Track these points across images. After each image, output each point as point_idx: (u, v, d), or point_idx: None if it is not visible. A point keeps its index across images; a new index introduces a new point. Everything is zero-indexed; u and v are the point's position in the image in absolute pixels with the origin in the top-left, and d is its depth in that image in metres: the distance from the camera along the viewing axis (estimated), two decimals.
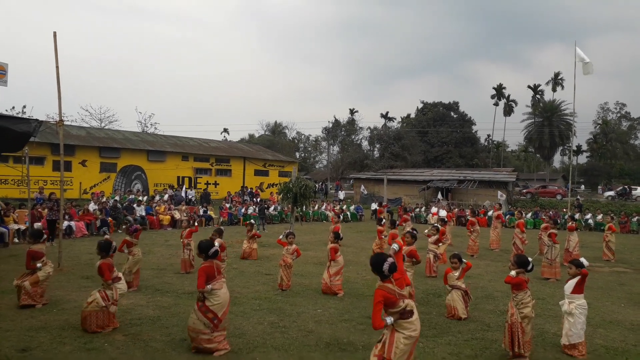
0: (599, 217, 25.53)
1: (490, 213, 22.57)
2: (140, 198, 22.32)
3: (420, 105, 64.67)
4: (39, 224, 14.44)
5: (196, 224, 14.70)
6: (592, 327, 6.93)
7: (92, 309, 6.13)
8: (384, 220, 14.09)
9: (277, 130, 73.65)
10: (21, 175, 19.92)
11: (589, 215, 26.32)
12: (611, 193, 42.18)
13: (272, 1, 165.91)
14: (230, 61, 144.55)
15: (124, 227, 15.63)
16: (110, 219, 17.68)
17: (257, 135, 73.03)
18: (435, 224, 12.85)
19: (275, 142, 62.25)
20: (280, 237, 9.43)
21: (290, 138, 74.09)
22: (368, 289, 9.06)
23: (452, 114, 61.73)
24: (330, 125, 65.92)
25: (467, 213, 20.57)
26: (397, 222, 13.51)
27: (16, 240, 14.30)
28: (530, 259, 6.03)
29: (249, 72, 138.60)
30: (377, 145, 57.48)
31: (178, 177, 31.21)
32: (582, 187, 56.81)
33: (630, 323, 7.48)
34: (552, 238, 11.26)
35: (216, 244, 6.12)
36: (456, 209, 28.14)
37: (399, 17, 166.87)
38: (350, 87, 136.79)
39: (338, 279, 8.77)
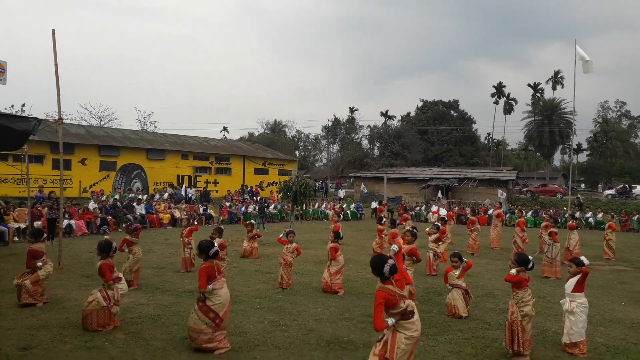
0: (600, 215, 25.50)
1: (490, 212, 22.57)
2: (140, 197, 22.33)
3: (420, 104, 64.77)
4: (39, 222, 14.47)
5: (196, 222, 14.73)
6: (593, 325, 6.94)
7: (93, 308, 6.13)
8: (384, 219, 14.10)
9: (277, 128, 73.64)
10: (21, 173, 19.98)
11: (589, 214, 26.30)
12: (611, 191, 42.22)
13: (272, 0, 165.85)
14: (230, 60, 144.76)
15: (123, 225, 15.66)
16: (110, 217, 17.71)
17: (256, 133, 73.00)
18: (436, 223, 12.85)
19: (275, 140, 62.26)
20: (281, 235, 9.42)
21: (290, 136, 74.14)
22: (368, 287, 9.07)
23: (452, 112, 61.77)
24: (330, 123, 65.98)
25: (468, 212, 20.52)
26: (397, 220, 13.49)
27: (16, 238, 14.31)
28: (530, 257, 6.02)
29: (248, 70, 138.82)
30: (377, 144, 57.54)
31: (178, 176, 31.21)
32: (583, 185, 56.93)
33: (631, 321, 7.49)
34: (553, 236, 11.26)
35: (216, 243, 6.12)
36: (456, 208, 28.12)
37: (399, 15, 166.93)
38: (350, 85, 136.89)
39: (338, 278, 8.77)
